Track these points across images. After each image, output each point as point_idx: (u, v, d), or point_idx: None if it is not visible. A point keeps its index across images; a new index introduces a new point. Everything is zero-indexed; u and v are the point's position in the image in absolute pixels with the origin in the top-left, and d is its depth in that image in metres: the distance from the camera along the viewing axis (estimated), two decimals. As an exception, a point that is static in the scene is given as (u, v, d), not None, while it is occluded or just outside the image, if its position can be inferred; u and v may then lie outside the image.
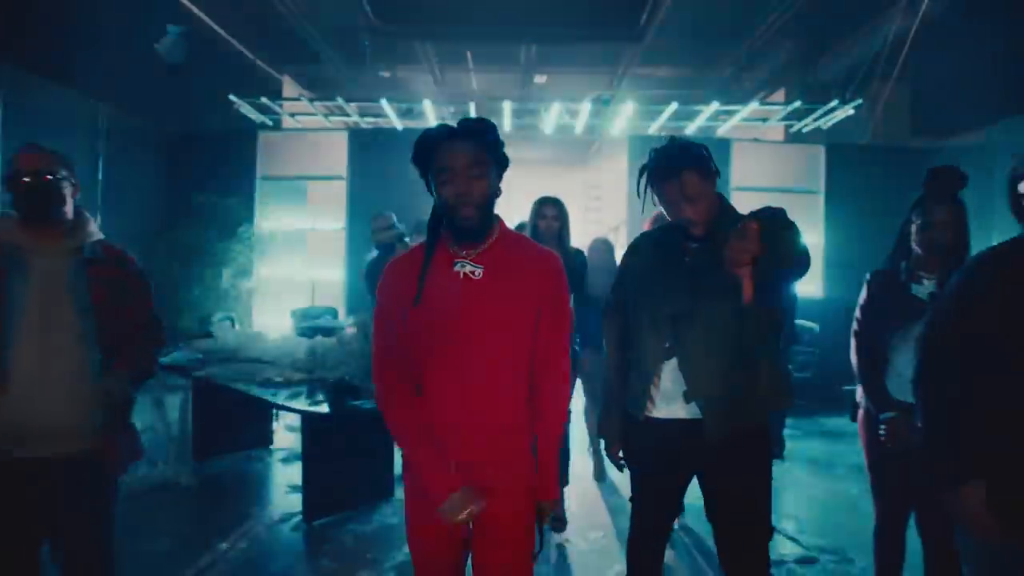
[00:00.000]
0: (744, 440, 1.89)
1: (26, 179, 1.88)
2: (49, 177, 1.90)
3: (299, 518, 3.61)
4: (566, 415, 1.97)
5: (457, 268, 1.62)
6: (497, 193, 1.66)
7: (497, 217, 1.70)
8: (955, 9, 5.71)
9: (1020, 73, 5.70)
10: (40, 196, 1.90)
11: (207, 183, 7.44)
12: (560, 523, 3.52)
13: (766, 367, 1.88)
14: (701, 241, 1.88)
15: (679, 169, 1.81)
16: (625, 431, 2.04)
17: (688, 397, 1.87)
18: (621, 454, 2.10)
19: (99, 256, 1.97)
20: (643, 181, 1.91)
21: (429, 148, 1.61)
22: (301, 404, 3.46)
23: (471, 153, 1.58)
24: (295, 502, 3.75)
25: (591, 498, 4.02)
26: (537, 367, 1.69)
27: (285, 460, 4.64)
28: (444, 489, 1.58)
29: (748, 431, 1.90)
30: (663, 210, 1.94)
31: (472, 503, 1.56)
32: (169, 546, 3.29)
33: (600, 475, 4.33)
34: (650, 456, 2.00)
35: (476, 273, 1.63)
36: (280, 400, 3.54)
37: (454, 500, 1.57)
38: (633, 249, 2.11)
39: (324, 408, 3.40)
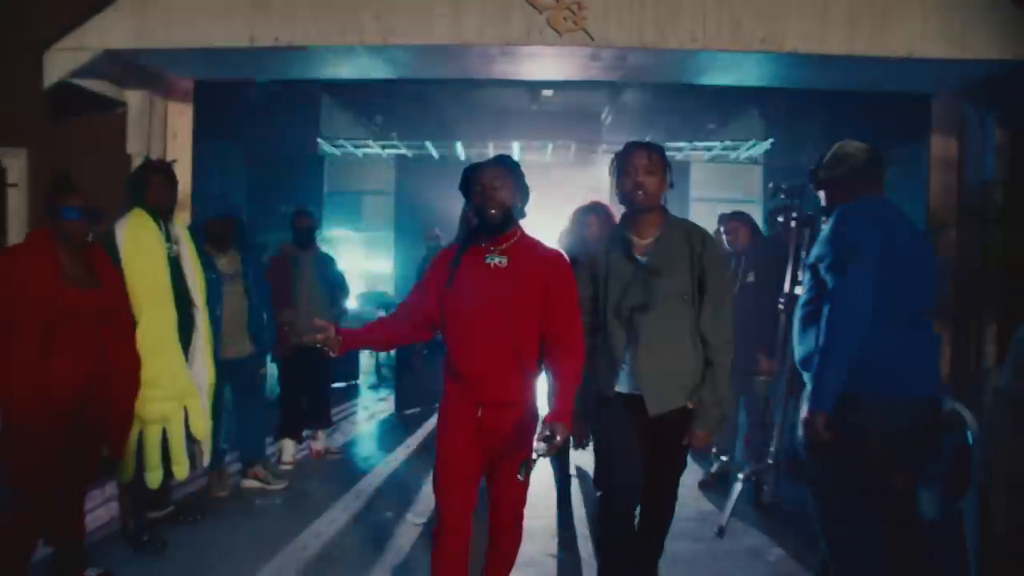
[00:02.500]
0: (672, 416, 2.31)
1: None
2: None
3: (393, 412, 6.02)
4: (582, 360, 2.24)
5: (488, 260, 2.18)
6: (521, 214, 2.22)
7: (518, 224, 2.23)
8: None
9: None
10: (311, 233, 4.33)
11: (285, 196, 9.73)
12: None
13: (696, 355, 2.33)
14: (650, 254, 2.35)
15: (647, 147, 2.37)
16: (597, 407, 2.40)
17: (637, 379, 2.30)
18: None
19: None
20: (614, 163, 2.42)
21: (470, 176, 2.22)
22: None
23: (496, 173, 2.18)
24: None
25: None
26: (560, 331, 2.17)
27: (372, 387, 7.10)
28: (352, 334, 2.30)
29: (678, 412, 2.31)
30: (620, 190, 2.40)
31: None
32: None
33: None
34: (618, 423, 2.36)
35: (502, 263, 2.17)
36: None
37: None
38: (591, 258, 2.49)
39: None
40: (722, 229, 4.23)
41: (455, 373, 2.23)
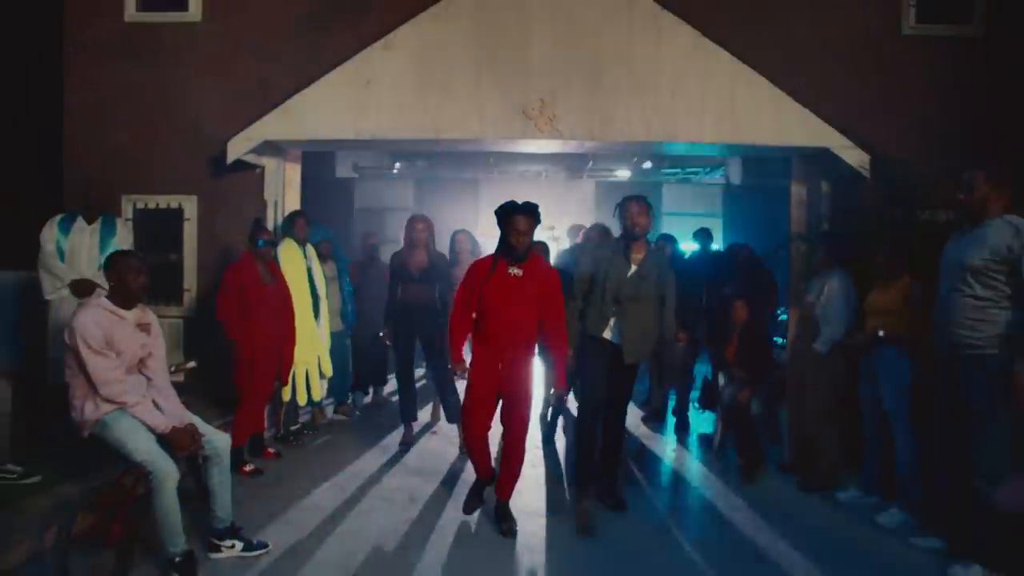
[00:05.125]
0: (633, 365, 3.95)
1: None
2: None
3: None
4: (566, 339, 3.77)
5: (511, 271, 3.59)
6: (532, 240, 3.63)
7: (529, 249, 3.61)
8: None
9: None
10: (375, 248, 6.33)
11: (320, 211, 11.81)
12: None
13: (656, 327, 3.99)
14: (640, 264, 3.89)
15: (641, 199, 3.92)
16: (583, 343, 3.99)
17: (620, 338, 3.87)
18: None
19: None
20: (618, 208, 4.00)
21: (508, 212, 3.54)
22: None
23: (528, 221, 3.51)
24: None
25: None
26: (551, 319, 3.63)
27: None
28: (457, 355, 3.74)
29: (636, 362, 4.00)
30: (622, 224, 3.92)
31: None
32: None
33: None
34: (599, 357, 3.89)
35: (519, 274, 3.57)
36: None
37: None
38: (599, 254, 4.02)
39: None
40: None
41: (486, 341, 3.66)
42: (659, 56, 5.15)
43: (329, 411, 6.00)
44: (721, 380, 5.29)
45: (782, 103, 5.17)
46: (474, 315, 3.73)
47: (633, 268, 3.89)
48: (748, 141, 5.22)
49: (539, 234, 3.96)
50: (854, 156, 5.18)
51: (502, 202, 3.67)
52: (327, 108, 5.26)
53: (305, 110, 5.29)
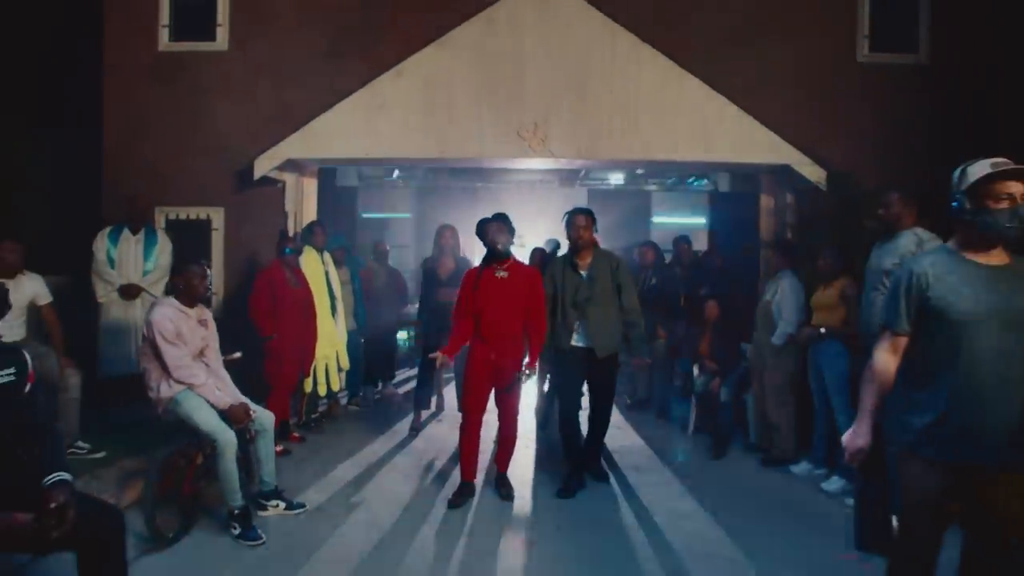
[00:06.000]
0: (609, 358, 4.38)
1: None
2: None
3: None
4: (545, 331, 4.31)
5: (497, 274, 4.16)
6: (511, 244, 4.22)
7: (512, 254, 4.23)
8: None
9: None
10: (385, 254, 6.96)
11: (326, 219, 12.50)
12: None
13: (620, 326, 4.43)
14: (589, 268, 4.41)
15: (585, 211, 4.38)
16: (556, 356, 4.52)
17: (590, 339, 4.33)
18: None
19: None
20: (566, 218, 4.45)
21: (483, 223, 4.19)
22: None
23: (500, 226, 4.11)
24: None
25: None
26: (532, 314, 4.17)
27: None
28: (454, 348, 4.28)
29: (612, 354, 4.41)
30: (568, 235, 4.39)
31: None
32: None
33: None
34: (572, 364, 4.38)
35: (505, 276, 4.15)
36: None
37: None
38: (551, 271, 4.54)
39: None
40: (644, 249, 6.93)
41: (480, 336, 4.18)
42: (639, 84, 5.82)
43: (343, 402, 6.62)
44: (695, 371, 5.93)
45: (748, 124, 5.84)
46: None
47: (584, 274, 4.38)
48: (717, 159, 5.90)
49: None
50: (812, 172, 5.85)
51: (498, 209, 4.31)
52: (344, 130, 5.92)
53: (324, 132, 5.94)
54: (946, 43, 6.22)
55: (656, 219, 13.03)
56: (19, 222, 5.96)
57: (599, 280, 4.35)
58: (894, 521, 2.07)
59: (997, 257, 2.04)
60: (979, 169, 2.00)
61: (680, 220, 12.81)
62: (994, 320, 1.95)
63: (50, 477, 2.09)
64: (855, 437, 2.19)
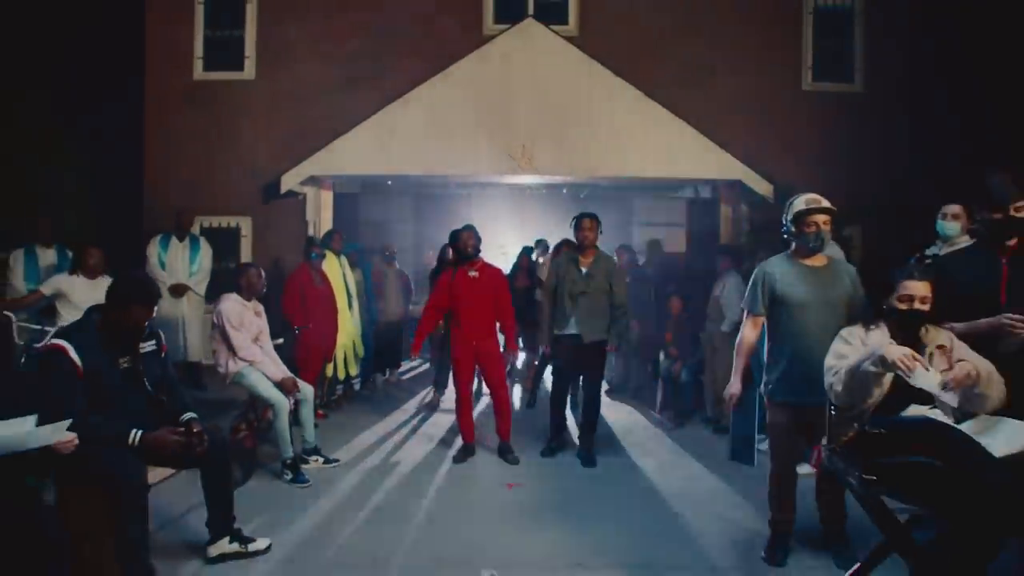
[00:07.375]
0: (596, 344, 5.03)
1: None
2: None
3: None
4: (515, 323, 5.38)
5: (470, 273, 4.98)
6: (479, 249, 5.05)
7: (480, 256, 5.05)
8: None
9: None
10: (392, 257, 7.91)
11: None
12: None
13: (608, 316, 5.02)
14: (589, 267, 5.01)
15: (590, 216, 4.96)
16: (555, 340, 5.11)
17: (579, 326, 4.97)
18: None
19: None
20: (574, 222, 5.02)
21: (457, 232, 5.05)
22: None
23: (470, 233, 4.97)
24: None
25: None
26: (502, 308, 5.05)
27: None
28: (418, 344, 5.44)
29: (599, 340, 5.04)
30: (575, 235, 5.03)
31: None
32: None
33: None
34: (566, 349, 5.02)
35: (475, 275, 4.98)
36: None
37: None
38: (557, 265, 5.21)
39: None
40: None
41: (459, 326, 5.00)
42: (612, 111, 6.81)
43: (357, 386, 7.56)
44: (661, 357, 6.90)
45: (704, 145, 6.84)
46: (443, 311, 5.21)
47: (584, 270, 5.08)
48: (679, 175, 6.89)
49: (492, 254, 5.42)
50: (761, 186, 6.85)
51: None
52: (360, 150, 6.87)
53: (343, 151, 6.89)
54: (878, 74, 7.24)
55: (638, 225, 13.95)
56: (70, 232, 6.88)
57: (596, 277, 4.99)
58: (757, 442, 3.05)
59: (818, 260, 3.05)
60: (798, 204, 3.02)
61: (663, 224, 13.76)
62: (817, 303, 2.94)
63: (185, 415, 3.02)
64: (730, 387, 3.18)
